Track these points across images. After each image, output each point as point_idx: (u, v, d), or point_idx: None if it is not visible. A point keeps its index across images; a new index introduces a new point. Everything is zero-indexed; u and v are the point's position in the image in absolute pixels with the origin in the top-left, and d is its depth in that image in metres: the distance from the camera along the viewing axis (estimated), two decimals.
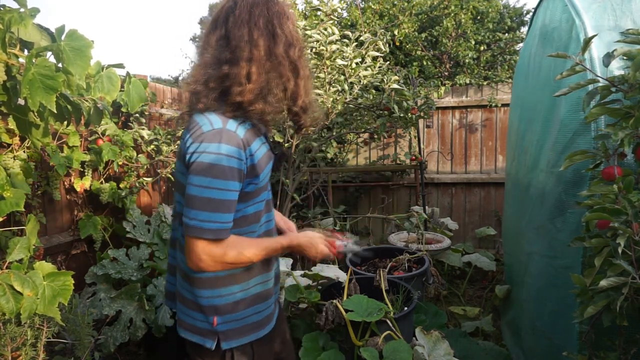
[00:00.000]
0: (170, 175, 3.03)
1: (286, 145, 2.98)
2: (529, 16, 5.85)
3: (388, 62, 3.52)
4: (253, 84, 1.04)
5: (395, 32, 5.20)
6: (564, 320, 1.77)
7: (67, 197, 2.49)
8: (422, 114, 3.29)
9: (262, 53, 1.05)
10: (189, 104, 1.11)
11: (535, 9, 2.52)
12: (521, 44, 5.31)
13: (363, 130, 3.68)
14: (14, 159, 1.88)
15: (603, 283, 1.05)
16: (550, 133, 1.83)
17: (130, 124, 2.84)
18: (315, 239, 1.15)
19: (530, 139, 2.10)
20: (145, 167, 2.79)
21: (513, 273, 2.56)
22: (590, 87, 1.28)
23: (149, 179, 2.83)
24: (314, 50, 2.60)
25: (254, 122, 1.10)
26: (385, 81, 2.83)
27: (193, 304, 1.13)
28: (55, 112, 1.14)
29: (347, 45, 2.73)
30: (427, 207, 4.12)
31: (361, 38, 2.79)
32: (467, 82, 4.81)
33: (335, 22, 2.85)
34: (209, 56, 1.07)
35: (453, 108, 4.55)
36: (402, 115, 2.99)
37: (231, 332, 1.12)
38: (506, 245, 2.85)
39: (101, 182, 2.60)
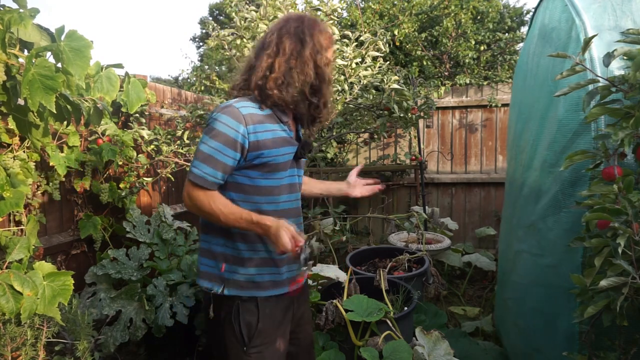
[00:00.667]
0: (170, 175, 3.03)
1: None
2: (529, 16, 5.86)
3: (388, 62, 3.53)
4: (275, 74, 1.25)
5: (395, 32, 5.20)
6: (544, 319, 1.77)
7: (67, 197, 2.49)
8: (422, 114, 3.29)
9: (287, 51, 1.25)
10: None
11: (535, 8, 2.52)
12: (521, 44, 5.31)
13: (363, 130, 3.68)
14: (14, 159, 1.88)
15: (603, 283, 1.05)
16: (547, 132, 1.83)
17: (130, 124, 2.84)
18: (281, 230, 1.15)
19: (527, 139, 2.10)
20: (145, 167, 2.79)
21: (501, 271, 2.56)
22: (590, 87, 1.28)
23: (149, 179, 2.83)
24: None
25: (274, 108, 1.28)
26: (385, 81, 2.83)
27: (208, 252, 1.32)
28: (55, 112, 1.14)
29: (347, 45, 2.73)
30: (427, 207, 4.12)
31: (361, 38, 2.79)
32: (467, 82, 4.81)
33: (335, 22, 2.85)
34: (247, 57, 1.36)
35: (453, 108, 4.55)
36: (402, 115, 2.99)
37: (234, 282, 1.29)
38: (500, 244, 2.86)
39: (101, 182, 2.60)
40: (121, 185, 2.67)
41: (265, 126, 1.25)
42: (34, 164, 2.05)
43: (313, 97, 1.29)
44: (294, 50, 1.26)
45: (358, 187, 1.62)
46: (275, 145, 1.25)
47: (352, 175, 1.64)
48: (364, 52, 2.79)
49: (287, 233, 1.15)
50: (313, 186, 1.61)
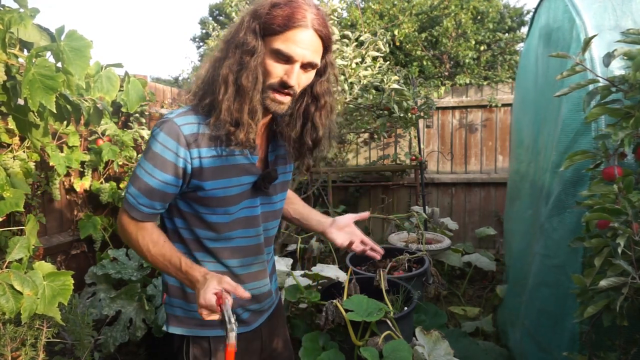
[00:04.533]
0: None
1: None
2: (529, 16, 5.86)
3: (388, 62, 3.53)
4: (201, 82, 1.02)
5: (395, 32, 5.20)
6: (550, 320, 1.78)
7: (67, 197, 2.49)
8: (422, 114, 3.29)
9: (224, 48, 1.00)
10: None
11: (536, 8, 2.51)
12: (521, 44, 5.31)
13: (363, 130, 3.68)
14: (14, 159, 1.88)
15: (603, 283, 1.05)
16: (557, 133, 1.84)
17: (130, 124, 2.84)
18: (210, 285, 0.90)
19: (545, 140, 2.10)
20: None
21: (514, 273, 2.55)
22: (591, 87, 1.28)
23: None
24: None
25: (225, 128, 0.96)
26: (385, 81, 2.83)
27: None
28: (55, 112, 1.14)
29: (347, 45, 2.73)
30: (427, 207, 4.12)
31: (361, 38, 2.79)
32: (467, 82, 4.81)
33: (335, 22, 2.85)
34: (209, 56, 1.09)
35: (453, 108, 4.55)
36: (402, 115, 2.99)
37: (174, 318, 1.09)
38: (509, 245, 2.85)
39: (101, 182, 2.60)
40: (121, 185, 2.67)
41: (215, 150, 0.98)
42: (34, 164, 2.05)
43: (238, 107, 0.95)
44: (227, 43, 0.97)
45: (344, 234, 1.26)
46: (224, 176, 1.00)
47: (348, 219, 1.28)
48: (364, 52, 2.79)
49: (213, 290, 0.90)
50: (294, 209, 1.32)
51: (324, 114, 1.07)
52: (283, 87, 0.95)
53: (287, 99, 0.97)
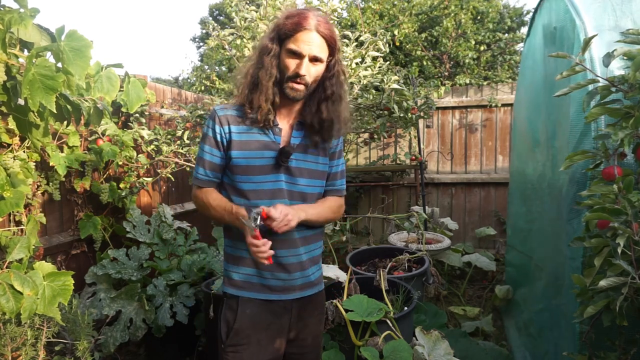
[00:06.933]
0: (170, 175, 3.03)
1: None
2: (528, 16, 5.86)
3: (388, 62, 3.52)
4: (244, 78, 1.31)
5: (395, 32, 5.20)
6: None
7: (67, 197, 2.49)
8: (422, 114, 3.29)
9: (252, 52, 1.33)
10: None
11: (536, 8, 2.51)
12: (521, 44, 5.31)
13: (363, 130, 3.68)
14: (14, 159, 1.88)
15: (603, 283, 1.05)
16: (567, 134, 1.83)
17: (130, 124, 2.84)
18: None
19: (560, 141, 2.09)
20: (145, 167, 2.79)
21: (547, 275, 2.52)
22: (591, 87, 1.28)
23: (149, 179, 2.83)
24: None
25: (259, 111, 1.27)
26: (385, 81, 2.83)
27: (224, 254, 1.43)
28: (55, 112, 1.14)
29: (347, 45, 2.73)
30: (427, 207, 4.12)
31: (361, 38, 2.79)
32: (467, 82, 4.81)
33: (335, 22, 2.85)
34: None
35: (453, 108, 4.55)
36: (402, 115, 2.99)
37: (227, 280, 1.36)
38: (518, 245, 2.81)
39: (101, 182, 2.60)
40: (121, 185, 2.67)
41: (240, 127, 1.29)
42: (34, 164, 2.05)
43: (253, 94, 1.27)
44: (254, 49, 1.30)
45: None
46: (247, 148, 1.28)
47: None
48: (364, 52, 2.79)
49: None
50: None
51: (331, 102, 1.31)
52: (297, 77, 1.22)
53: (301, 87, 1.24)
